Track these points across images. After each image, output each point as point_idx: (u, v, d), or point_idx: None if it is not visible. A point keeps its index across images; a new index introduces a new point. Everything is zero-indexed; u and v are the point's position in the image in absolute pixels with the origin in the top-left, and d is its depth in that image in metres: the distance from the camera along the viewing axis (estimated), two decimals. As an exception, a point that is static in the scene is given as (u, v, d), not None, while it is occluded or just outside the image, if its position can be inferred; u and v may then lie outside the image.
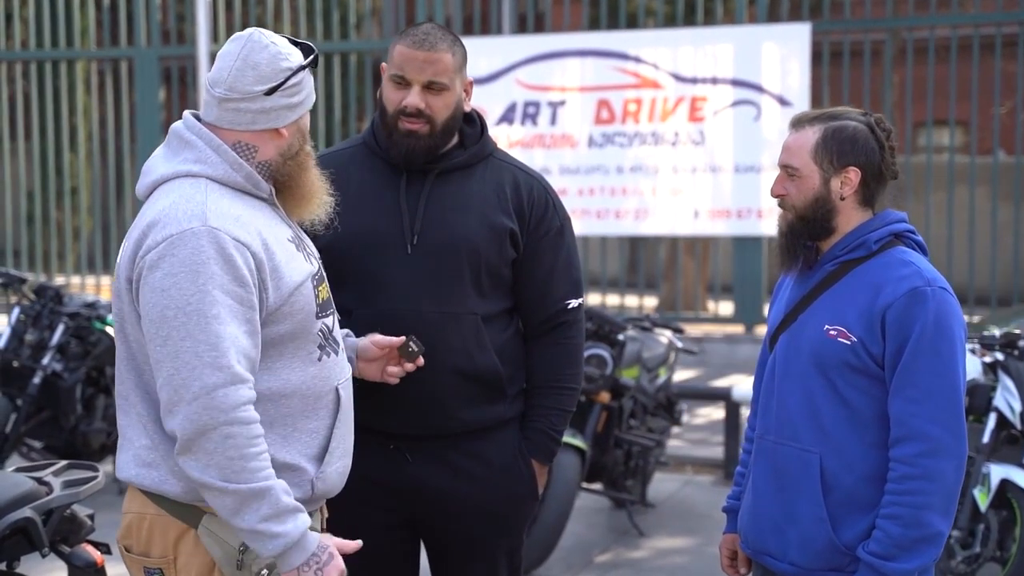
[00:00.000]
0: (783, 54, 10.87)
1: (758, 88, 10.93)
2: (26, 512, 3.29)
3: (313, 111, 2.73)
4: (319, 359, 2.64)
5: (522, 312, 3.21)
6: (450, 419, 3.09)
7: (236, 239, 2.47)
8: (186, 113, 2.64)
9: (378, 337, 2.95)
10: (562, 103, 11.47)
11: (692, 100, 11.15)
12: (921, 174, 11.51)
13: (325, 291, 2.70)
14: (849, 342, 2.78)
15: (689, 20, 12.26)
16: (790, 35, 10.91)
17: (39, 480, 3.46)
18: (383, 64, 3.14)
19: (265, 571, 2.50)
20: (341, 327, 3.02)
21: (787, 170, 2.88)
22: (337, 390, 2.68)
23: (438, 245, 3.06)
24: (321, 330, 2.65)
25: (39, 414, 6.56)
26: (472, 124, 3.19)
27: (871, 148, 2.84)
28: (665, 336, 6.70)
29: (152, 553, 2.59)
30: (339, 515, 3.11)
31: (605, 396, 5.86)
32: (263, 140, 2.60)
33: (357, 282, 3.07)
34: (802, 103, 10.61)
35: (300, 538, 2.46)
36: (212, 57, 12.29)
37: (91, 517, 3.49)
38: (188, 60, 12.76)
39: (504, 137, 11.51)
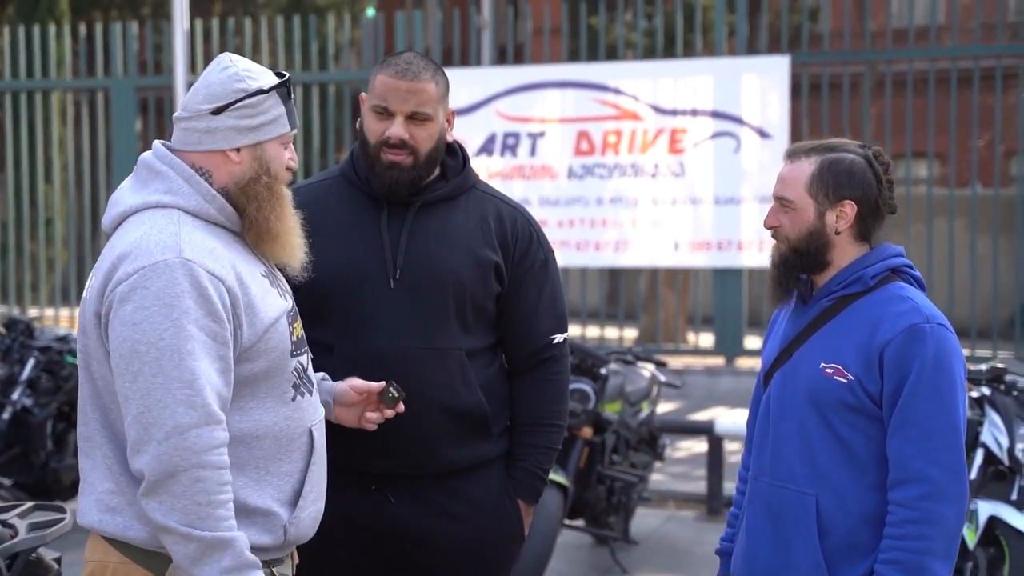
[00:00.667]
0: (763, 86, 10.86)
1: (738, 120, 10.92)
2: (-9, 556, 3.19)
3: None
4: (293, 399, 2.54)
5: (507, 347, 3.13)
6: (435, 458, 3.00)
7: (211, 272, 2.38)
8: (156, 143, 2.55)
9: (356, 382, 2.85)
10: (542, 134, 11.43)
11: (672, 132, 11.12)
12: (900, 206, 11.51)
13: (299, 328, 2.61)
14: (846, 380, 2.70)
15: (669, 52, 12.26)
16: (769, 67, 10.91)
17: (3, 523, 3.35)
18: (362, 95, 3.07)
19: None
20: (322, 365, 2.93)
21: (781, 202, 2.81)
22: (311, 431, 2.58)
23: (422, 279, 2.98)
24: (296, 369, 2.55)
25: (9, 450, 6.45)
26: (454, 156, 3.12)
27: (868, 182, 2.77)
28: (648, 370, 6.63)
29: None
30: (317, 560, 3.02)
31: (587, 431, 5.77)
32: (215, 164, 2.50)
33: (338, 318, 2.99)
34: (781, 135, 10.60)
35: None
36: (188, 87, 12.23)
37: (58, 560, 3.37)
38: (165, 91, 12.67)
39: (484, 168, 11.45)
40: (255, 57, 13.05)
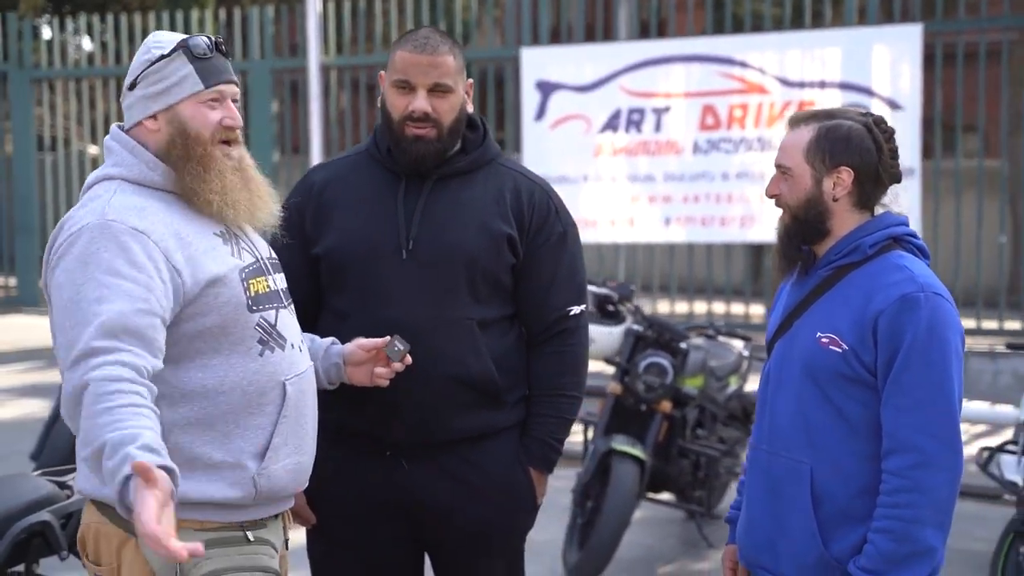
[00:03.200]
0: (894, 56, 10.60)
1: (868, 91, 10.68)
2: (43, 516, 3.38)
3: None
4: (261, 354, 2.60)
5: (523, 319, 3.17)
6: (446, 426, 3.06)
7: (132, 227, 2.46)
8: (114, 125, 2.67)
9: (362, 340, 2.94)
10: (667, 109, 11.38)
11: (799, 105, 10.93)
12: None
13: (261, 285, 2.65)
14: (841, 350, 2.69)
15: (797, 23, 12.04)
16: (901, 37, 10.64)
17: (60, 484, 3.55)
18: (381, 73, 3.15)
19: None
20: (338, 333, 3.03)
21: (781, 169, 2.80)
22: (284, 385, 2.63)
23: (434, 251, 3.04)
24: (259, 324, 2.61)
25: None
26: (475, 129, 3.18)
27: (867, 148, 2.74)
28: (736, 344, 6.58)
29: (101, 561, 2.60)
30: (332, 523, 3.13)
31: (666, 405, 5.76)
32: (143, 135, 2.60)
33: (353, 288, 3.08)
34: (914, 106, 10.34)
35: (127, 475, 2.16)
36: (322, 69, 12.53)
37: (111, 521, 3.56)
38: (299, 73, 13.01)
39: (608, 145, 11.47)
40: (387, 37, 13.30)
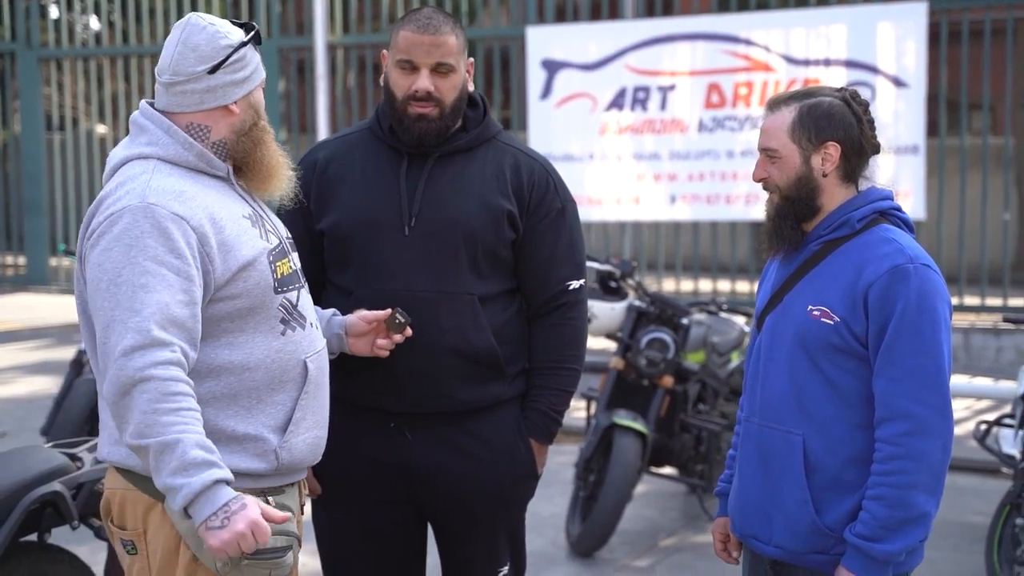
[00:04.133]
0: (899, 34, 10.59)
1: (873, 69, 10.68)
2: (55, 486, 3.46)
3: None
4: (283, 333, 2.71)
5: (524, 293, 3.24)
6: (447, 397, 3.13)
7: (174, 213, 2.55)
8: (142, 102, 2.73)
9: (364, 312, 3.02)
10: (672, 88, 11.39)
11: (804, 82, 10.92)
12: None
13: (286, 266, 2.76)
14: (832, 322, 2.76)
15: (801, 1, 12.05)
16: (906, 14, 10.63)
17: (72, 455, 3.63)
18: (383, 52, 3.20)
19: None
20: (342, 307, 3.10)
21: (767, 152, 2.87)
22: (305, 363, 2.74)
23: (434, 227, 3.11)
24: (283, 304, 2.72)
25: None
26: (475, 107, 3.23)
27: (848, 122, 2.82)
28: (738, 320, 6.63)
29: (126, 526, 2.69)
30: (338, 492, 3.20)
31: (668, 380, 5.83)
32: (214, 119, 2.69)
33: (357, 263, 3.15)
34: (919, 84, 10.34)
35: (204, 490, 2.42)
36: (329, 48, 12.56)
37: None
38: (306, 51, 13.04)
39: (614, 123, 11.50)
40: (393, 16, 13.31)
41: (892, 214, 2.87)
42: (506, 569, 3.28)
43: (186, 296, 2.54)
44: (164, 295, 2.50)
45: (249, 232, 2.69)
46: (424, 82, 3.07)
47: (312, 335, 2.81)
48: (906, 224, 2.88)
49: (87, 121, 14.95)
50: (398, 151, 3.17)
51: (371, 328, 3.02)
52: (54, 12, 15.72)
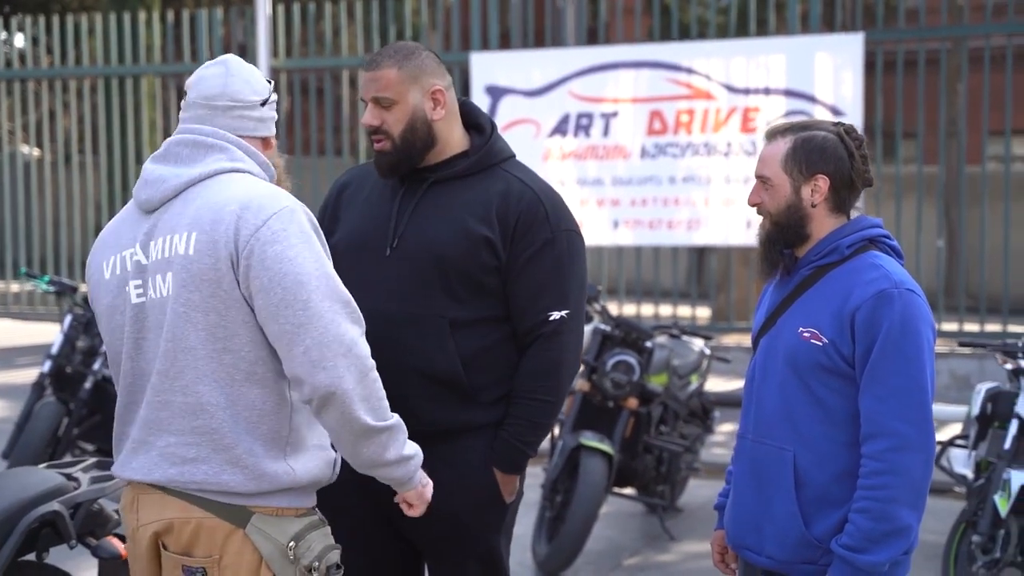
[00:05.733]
0: (836, 64, 10.86)
1: (811, 98, 10.93)
2: (54, 506, 3.47)
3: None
4: None
5: (512, 321, 3.24)
6: (415, 418, 3.02)
7: (309, 216, 2.74)
8: (188, 126, 2.78)
9: None
10: (615, 114, 11.56)
11: (744, 111, 11.18)
12: (992, 183, 11.46)
13: None
14: (821, 343, 2.88)
15: (742, 31, 12.30)
16: (843, 45, 10.90)
17: (68, 476, 3.64)
18: None
19: (316, 562, 2.64)
20: None
21: (761, 179, 3.00)
22: None
23: (410, 250, 3.18)
24: None
25: (91, 417, 6.77)
26: (481, 133, 3.29)
27: (840, 156, 2.94)
28: (697, 343, 6.78)
29: (195, 553, 2.66)
30: (336, 523, 3.22)
31: (633, 402, 5.94)
32: (258, 148, 2.83)
33: (346, 280, 3.19)
34: (855, 113, 10.60)
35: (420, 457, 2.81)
36: (272, 72, 12.57)
37: (117, 511, 3.65)
38: (249, 75, 13.04)
39: (557, 148, 11.64)
40: (336, 42, 13.38)
41: (881, 241, 3.00)
42: None
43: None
44: (343, 288, 2.71)
45: None
46: (367, 116, 3.20)
47: None
48: (895, 251, 3.01)
49: (20, 143, 14.78)
50: (403, 178, 3.26)
51: None
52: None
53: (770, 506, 2.94)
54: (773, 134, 3.00)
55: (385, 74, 3.16)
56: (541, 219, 3.21)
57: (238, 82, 2.78)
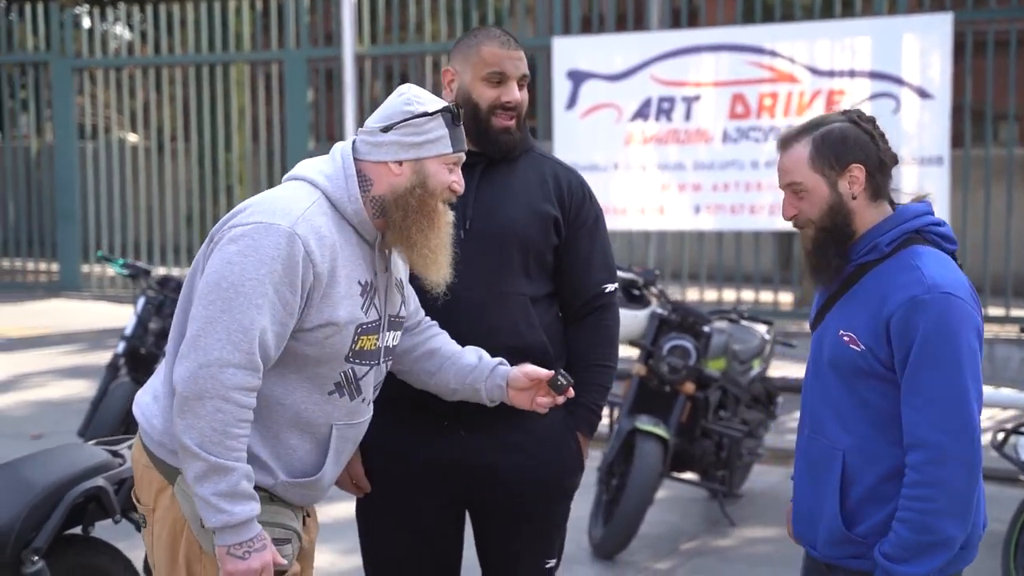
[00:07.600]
0: (924, 45, 10.66)
1: (898, 80, 10.76)
2: (99, 481, 3.60)
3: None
4: (330, 393, 2.83)
5: (562, 296, 3.38)
6: None
7: (308, 252, 2.69)
8: (346, 146, 2.90)
9: (528, 368, 3.14)
10: (697, 98, 11.49)
11: (829, 93, 11.04)
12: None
13: (370, 343, 2.86)
14: (859, 349, 2.81)
15: (826, 13, 12.13)
16: (931, 26, 10.70)
17: (114, 452, 3.77)
18: (448, 68, 3.34)
19: None
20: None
21: (792, 188, 2.89)
22: (332, 427, 2.87)
23: (489, 231, 3.26)
24: (346, 372, 2.83)
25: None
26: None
27: (864, 142, 2.85)
28: (759, 328, 6.72)
29: (141, 499, 2.88)
30: (393, 494, 3.31)
31: (689, 387, 5.93)
32: (379, 174, 2.84)
33: None
34: (943, 95, 10.41)
35: (240, 524, 2.62)
36: (356, 58, 12.72)
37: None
38: (334, 62, 13.21)
39: (639, 133, 11.61)
40: (420, 27, 13.48)
41: (927, 231, 2.88)
42: (553, 562, 3.40)
43: (282, 329, 2.68)
44: (268, 321, 2.64)
45: (355, 299, 2.81)
46: (516, 93, 3.29)
47: (358, 408, 2.92)
48: (944, 238, 2.89)
49: (119, 130, 15.17)
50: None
51: (532, 384, 3.14)
52: (87, 22, 15.95)
53: (822, 503, 2.91)
54: (786, 141, 2.91)
55: (524, 55, 3.31)
56: (589, 198, 3.40)
57: (380, 109, 2.87)
